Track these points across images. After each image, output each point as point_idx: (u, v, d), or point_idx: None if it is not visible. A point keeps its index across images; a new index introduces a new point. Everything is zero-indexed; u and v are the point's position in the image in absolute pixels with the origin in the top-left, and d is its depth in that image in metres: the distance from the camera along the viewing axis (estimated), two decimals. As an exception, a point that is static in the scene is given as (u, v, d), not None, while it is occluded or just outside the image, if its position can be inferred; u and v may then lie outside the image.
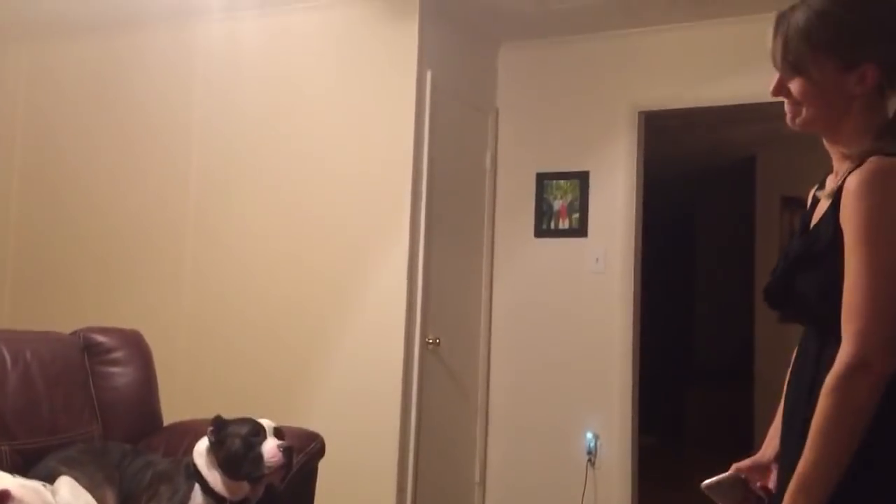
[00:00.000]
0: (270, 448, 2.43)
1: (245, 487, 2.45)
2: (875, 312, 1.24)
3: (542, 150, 4.60)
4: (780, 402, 1.57)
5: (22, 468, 2.43)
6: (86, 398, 2.85)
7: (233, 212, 4.28)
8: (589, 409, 4.31)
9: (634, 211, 4.35)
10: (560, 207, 4.50)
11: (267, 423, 2.51)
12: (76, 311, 3.97)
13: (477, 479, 4.54)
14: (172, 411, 3.07)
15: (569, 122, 4.51)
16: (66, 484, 2.34)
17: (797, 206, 6.39)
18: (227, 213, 4.29)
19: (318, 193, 4.12)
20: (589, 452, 4.29)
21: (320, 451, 2.81)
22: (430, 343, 4.03)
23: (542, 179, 4.56)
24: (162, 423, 3.01)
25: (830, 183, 1.43)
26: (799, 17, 1.38)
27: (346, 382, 3.96)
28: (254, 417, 2.52)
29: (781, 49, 1.39)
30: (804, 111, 1.41)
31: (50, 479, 2.32)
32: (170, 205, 4.39)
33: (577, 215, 4.45)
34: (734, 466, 1.63)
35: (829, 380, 1.26)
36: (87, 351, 2.95)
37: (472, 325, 4.57)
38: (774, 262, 1.54)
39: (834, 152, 1.45)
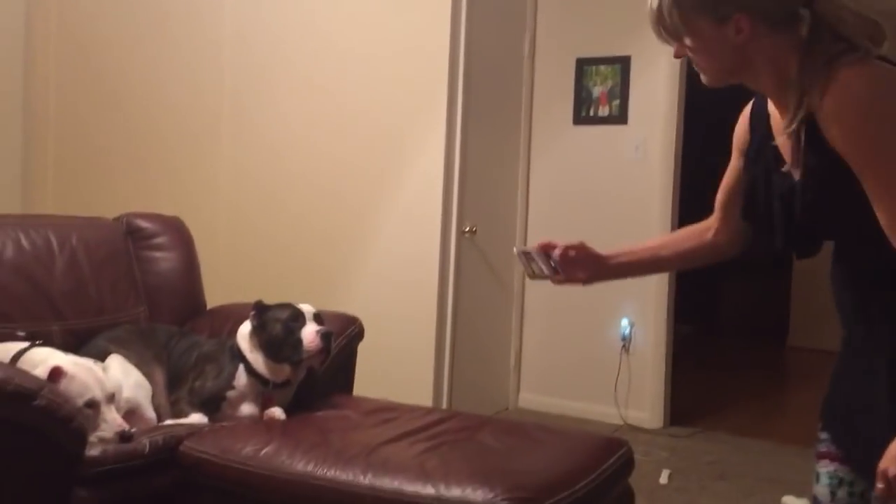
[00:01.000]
0: (309, 333, 2.48)
1: (286, 370, 2.52)
2: None
3: (583, 35, 4.46)
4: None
5: (73, 347, 2.52)
6: (131, 281, 2.92)
7: (268, 102, 4.25)
8: (625, 297, 4.33)
9: (677, 97, 4.24)
10: (600, 94, 4.40)
11: (307, 309, 2.55)
12: (116, 201, 4.02)
13: (512, 363, 4.63)
14: (214, 297, 3.14)
15: (610, 5, 4.35)
16: (116, 361, 2.43)
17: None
18: (263, 104, 4.26)
19: (354, 81, 4.06)
20: (623, 339, 4.33)
21: (359, 335, 2.87)
22: (467, 232, 4.04)
23: (582, 65, 4.45)
24: (205, 306, 3.08)
25: (777, 119, 1.43)
26: None
27: (385, 270, 4.00)
28: (293, 303, 2.57)
29: (657, 19, 1.43)
30: (705, 73, 1.46)
31: (100, 357, 2.41)
32: (206, 94, 4.37)
33: (617, 102, 4.35)
34: (556, 248, 1.67)
35: None
36: (130, 236, 3.01)
37: (508, 213, 4.56)
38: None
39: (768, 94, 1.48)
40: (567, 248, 1.67)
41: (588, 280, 1.71)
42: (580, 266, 1.68)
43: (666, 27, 1.43)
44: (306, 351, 2.47)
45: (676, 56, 1.48)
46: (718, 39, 1.40)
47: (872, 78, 1.30)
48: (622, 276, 1.80)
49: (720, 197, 1.66)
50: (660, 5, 1.43)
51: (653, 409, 4.33)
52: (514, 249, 1.72)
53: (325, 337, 2.49)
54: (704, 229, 1.69)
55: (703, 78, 1.48)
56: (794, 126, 1.36)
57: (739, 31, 1.38)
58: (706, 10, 1.39)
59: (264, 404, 2.50)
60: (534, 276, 1.71)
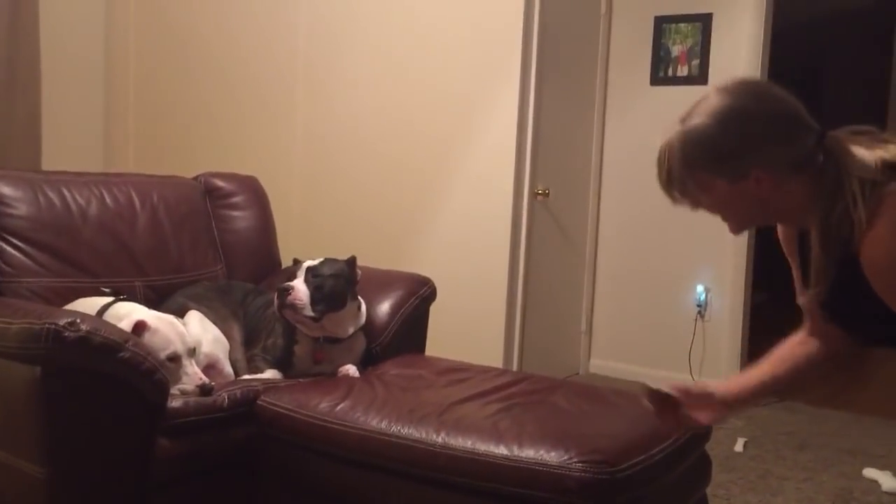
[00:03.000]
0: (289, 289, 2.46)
1: (316, 327, 2.51)
2: None
3: (662, -9, 4.33)
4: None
5: (155, 303, 2.59)
6: (209, 239, 2.97)
7: (340, 67, 4.24)
8: (701, 263, 4.24)
9: (760, 57, 4.09)
10: (679, 53, 4.27)
11: (307, 263, 2.53)
12: (193, 162, 4.07)
13: (583, 328, 4.59)
14: (288, 259, 3.16)
15: (692, -40, 4.21)
16: (195, 317, 2.49)
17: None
18: (336, 70, 4.25)
19: (426, 44, 4.02)
20: (699, 305, 4.25)
21: (432, 295, 2.88)
22: (540, 194, 3.99)
23: (661, 23, 4.32)
24: (280, 265, 3.13)
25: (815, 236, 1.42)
26: (675, 156, 1.43)
27: (457, 232, 3.99)
28: (308, 260, 2.55)
29: (667, 185, 1.45)
30: (729, 222, 1.48)
31: (180, 313, 2.47)
32: (281, 60, 4.38)
33: (696, 62, 4.22)
34: (677, 388, 1.67)
35: None
36: (208, 195, 3.06)
37: (582, 176, 4.49)
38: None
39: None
40: (687, 397, 1.66)
41: (711, 421, 1.73)
42: (695, 408, 1.68)
43: (680, 191, 1.45)
44: (288, 305, 2.46)
45: (693, 209, 1.49)
46: (739, 194, 1.42)
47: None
48: (736, 412, 1.84)
49: (801, 301, 1.61)
50: (670, 173, 1.45)
51: (728, 377, 4.23)
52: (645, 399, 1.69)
53: (279, 291, 2.46)
54: (803, 339, 1.67)
55: (728, 226, 1.50)
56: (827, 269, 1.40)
57: (760, 183, 1.40)
58: (722, 172, 1.41)
59: (316, 359, 2.53)
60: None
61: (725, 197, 1.43)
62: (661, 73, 4.33)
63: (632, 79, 4.41)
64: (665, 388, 1.67)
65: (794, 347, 1.69)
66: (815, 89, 7.67)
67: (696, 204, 1.47)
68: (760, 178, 1.39)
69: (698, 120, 1.44)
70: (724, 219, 1.48)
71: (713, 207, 1.46)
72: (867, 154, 1.39)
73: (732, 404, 1.71)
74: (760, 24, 4.07)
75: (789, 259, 1.61)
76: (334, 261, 2.56)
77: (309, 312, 2.46)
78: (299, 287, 2.47)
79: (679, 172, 1.43)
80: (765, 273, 4.76)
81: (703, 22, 4.19)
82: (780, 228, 1.61)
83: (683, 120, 1.48)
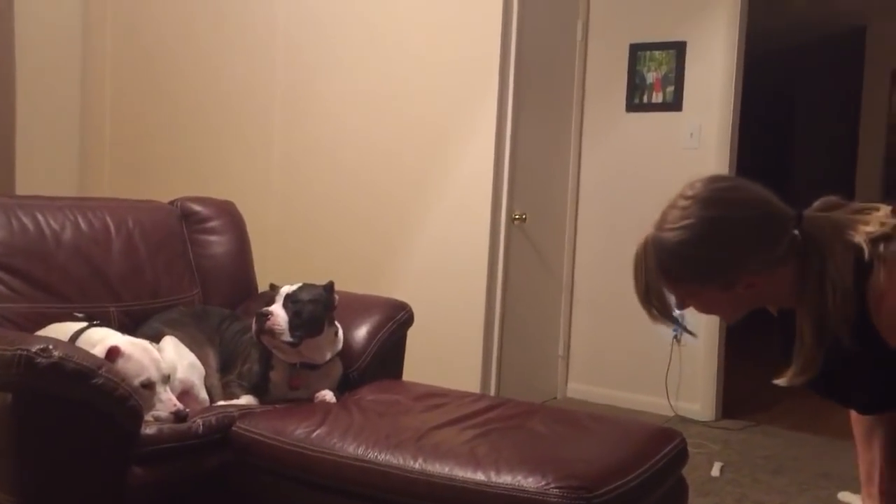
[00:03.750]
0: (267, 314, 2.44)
1: (294, 352, 2.48)
2: None
3: (637, 19, 4.39)
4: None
5: (129, 328, 2.57)
6: (185, 264, 2.96)
7: (318, 92, 4.24)
8: (676, 288, 4.26)
9: (733, 83, 4.15)
10: (654, 80, 4.33)
11: (284, 290, 2.50)
12: (170, 186, 4.06)
13: (561, 352, 4.60)
14: (264, 284, 3.14)
15: (666, -11, 4.28)
16: (170, 343, 2.46)
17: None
18: (313, 94, 4.25)
19: (405, 69, 4.05)
20: (675, 330, 4.27)
21: (409, 321, 2.87)
22: (517, 219, 4.01)
23: (636, 50, 4.38)
24: (257, 290, 3.11)
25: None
26: (654, 269, 1.43)
27: (434, 257, 3.99)
28: (286, 285, 2.53)
29: (646, 299, 1.47)
30: (722, 317, 1.52)
31: (155, 338, 2.44)
32: (258, 85, 4.38)
33: (671, 88, 4.28)
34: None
35: None
36: (185, 219, 3.04)
37: (559, 201, 4.52)
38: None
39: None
40: None
41: None
42: None
43: (659, 302, 1.45)
44: (266, 330, 2.44)
45: (681, 308, 1.50)
46: (729, 298, 1.42)
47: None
48: None
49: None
50: (648, 286, 1.44)
51: (704, 400, 4.26)
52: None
53: (258, 316, 2.43)
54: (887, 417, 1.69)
55: (722, 317, 1.54)
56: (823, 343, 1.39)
57: (749, 287, 1.40)
58: (711, 283, 1.41)
59: (292, 385, 2.51)
60: None
61: (716, 300, 1.43)
62: (637, 99, 4.38)
63: (607, 105, 4.46)
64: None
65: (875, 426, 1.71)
66: (787, 116, 7.79)
67: (680, 307, 1.48)
68: (751, 282, 1.39)
69: (676, 235, 1.42)
70: (717, 314, 1.49)
71: (702, 308, 1.45)
72: (855, 236, 1.38)
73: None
74: (734, 52, 4.13)
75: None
76: (312, 286, 2.55)
77: (287, 338, 2.45)
78: (278, 312, 2.45)
79: (660, 284, 1.42)
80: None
81: (678, 49, 4.25)
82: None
83: (659, 229, 1.46)
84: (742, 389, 4.59)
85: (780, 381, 1.51)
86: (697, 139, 4.22)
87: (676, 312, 1.60)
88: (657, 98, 4.32)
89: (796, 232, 1.39)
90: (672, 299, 1.46)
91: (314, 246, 4.24)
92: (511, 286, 4.01)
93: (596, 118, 4.50)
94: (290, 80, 4.32)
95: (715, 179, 1.51)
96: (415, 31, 4.03)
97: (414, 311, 2.89)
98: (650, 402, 4.29)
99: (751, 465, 3.59)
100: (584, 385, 4.56)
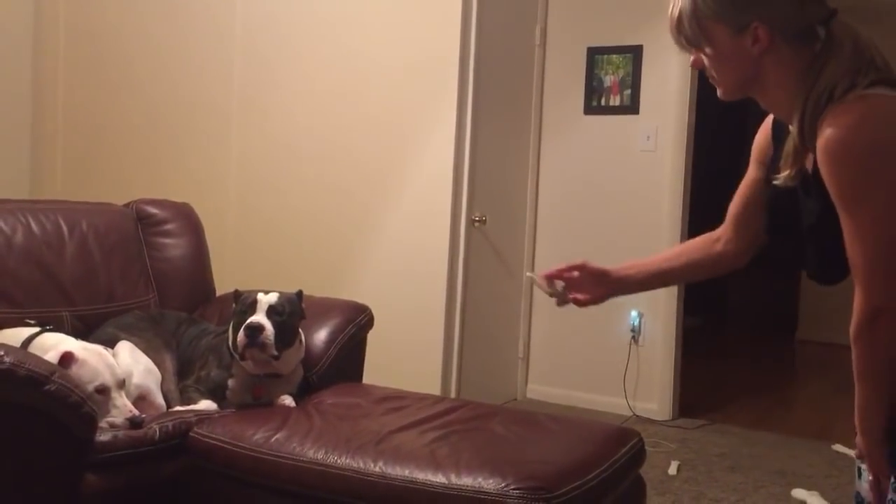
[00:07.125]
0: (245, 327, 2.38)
1: (269, 364, 2.44)
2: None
3: (594, 23, 4.43)
4: None
5: (83, 333, 2.52)
6: (141, 268, 2.91)
7: (276, 93, 4.22)
8: (634, 289, 4.30)
9: (689, 87, 4.21)
10: (611, 83, 4.37)
11: (265, 299, 2.42)
12: (124, 190, 4.01)
13: (520, 354, 4.62)
14: (223, 287, 3.12)
15: (623, -7, 4.32)
16: (125, 348, 2.42)
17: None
18: (271, 95, 4.23)
19: (363, 71, 4.04)
20: (633, 330, 4.31)
21: (369, 323, 2.86)
22: (476, 220, 4.02)
23: (594, 54, 4.42)
24: (215, 293, 3.07)
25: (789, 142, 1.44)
26: (685, 2, 1.44)
27: (394, 259, 3.99)
28: (262, 291, 2.46)
29: (677, 28, 1.46)
30: (721, 85, 1.48)
31: (110, 343, 2.41)
32: (215, 84, 4.34)
33: (628, 92, 4.33)
34: (574, 266, 1.76)
35: (852, 329, 1.34)
36: (140, 222, 3.00)
37: (518, 203, 4.54)
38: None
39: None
40: (569, 270, 1.74)
41: (594, 300, 1.77)
42: (585, 287, 1.75)
43: (686, 36, 1.46)
44: (238, 345, 2.40)
45: (694, 66, 1.51)
46: (735, 49, 1.42)
47: (860, 120, 1.31)
48: (629, 291, 1.83)
49: (734, 208, 1.65)
50: (680, 14, 1.46)
51: (661, 400, 4.32)
52: (527, 275, 1.78)
53: (249, 329, 2.36)
54: (713, 240, 1.70)
55: (718, 91, 1.51)
56: (799, 156, 1.40)
57: (756, 41, 1.40)
58: (725, 18, 1.42)
59: (255, 394, 2.47)
60: (554, 296, 1.76)
61: (724, 50, 1.43)
62: (595, 102, 4.43)
63: (566, 108, 4.49)
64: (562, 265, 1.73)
65: (699, 243, 1.74)
66: (741, 119, 7.94)
67: (698, 57, 1.47)
68: (758, 34, 1.39)
69: None
70: (719, 80, 1.48)
71: (711, 61, 1.45)
72: (860, 71, 1.36)
73: (616, 274, 1.78)
74: (688, 56, 4.18)
75: (753, 163, 1.62)
76: (289, 297, 2.51)
77: (274, 351, 2.41)
78: (268, 325, 2.39)
79: (688, 17, 1.44)
80: (696, 298, 4.87)
81: (634, 53, 4.30)
82: (759, 134, 1.61)
83: None
84: (698, 389, 4.66)
85: (734, 208, 1.63)
86: (654, 142, 4.27)
87: (560, 285, 1.74)
88: (615, 101, 4.37)
89: (822, 25, 1.39)
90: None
91: (273, 248, 4.21)
92: (471, 288, 4.02)
93: (554, 120, 4.53)
94: (247, 78, 4.29)
95: None
96: (374, 34, 4.02)
97: (374, 313, 2.88)
98: (608, 402, 4.33)
99: (707, 463, 3.64)
100: (544, 386, 4.58)
